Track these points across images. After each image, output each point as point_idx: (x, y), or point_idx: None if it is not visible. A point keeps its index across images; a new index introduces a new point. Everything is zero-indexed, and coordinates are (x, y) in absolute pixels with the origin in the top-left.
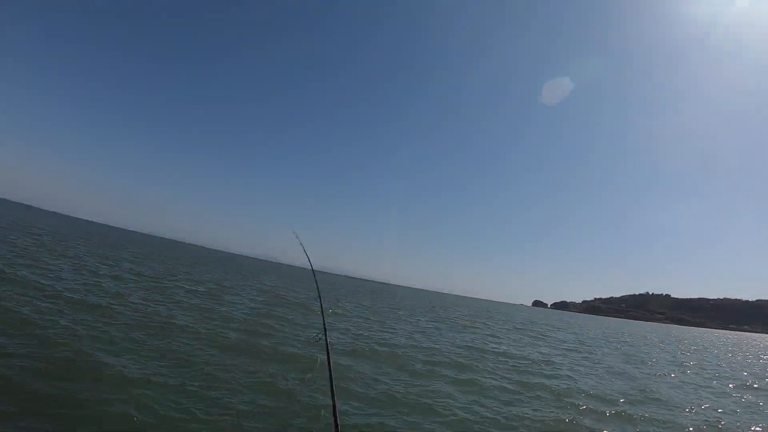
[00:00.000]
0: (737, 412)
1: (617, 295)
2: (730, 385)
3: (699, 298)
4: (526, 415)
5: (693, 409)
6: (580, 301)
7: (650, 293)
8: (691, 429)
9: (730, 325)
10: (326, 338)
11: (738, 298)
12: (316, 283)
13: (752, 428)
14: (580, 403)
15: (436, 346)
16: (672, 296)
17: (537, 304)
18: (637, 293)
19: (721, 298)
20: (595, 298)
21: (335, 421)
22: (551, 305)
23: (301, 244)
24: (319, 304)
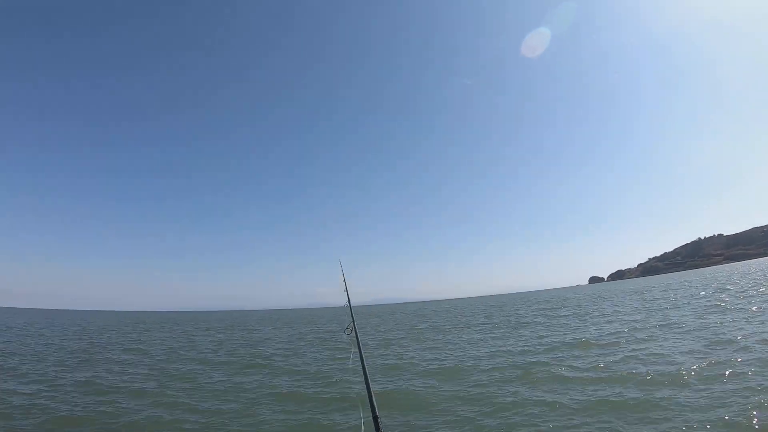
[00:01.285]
0: None
1: (670, 249)
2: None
3: (751, 229)
4: None
5: None
6: (636, 266)
7: (702, 238)
8: None
9: None
10: (355, 330)
11: None
12: (348, 297)
13: None
14: None
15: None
16: (724, 234)
17: (594, 280)
18: (689, 241)
19: None
20: (649, 258)
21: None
22: (608, 277)
23: (342, 275)
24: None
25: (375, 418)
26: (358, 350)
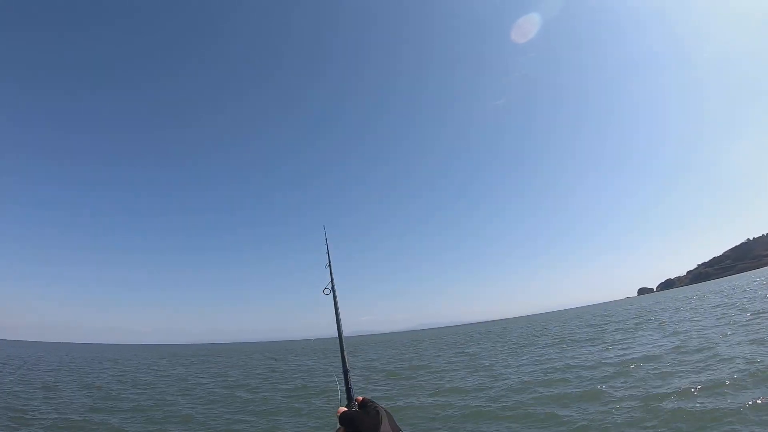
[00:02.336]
0: None
1: (718, 252)
2: None
3: None
4: None
5: None
6: (685, 273)
7: (750, 239)
8: None
9: None
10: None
11: None
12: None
13: None
14: None
15: None
16: None
17: (642, 291)
18: (737, 243)
19: None
20: (698, 265)
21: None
22: (657, 287)
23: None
24: None
25: (345, 372)
26: (335, 311)
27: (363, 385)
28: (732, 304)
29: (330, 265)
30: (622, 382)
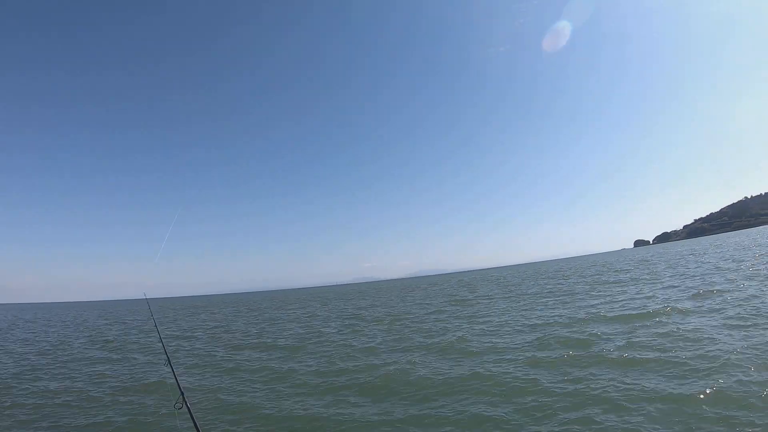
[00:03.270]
0: None
1: (716, 209)
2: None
3: None
4: None
5: None
6: (681, 228)
7: (748, 197)
8: None
9: None
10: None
11: None
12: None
13: None
14: None
15: None
16: None
17: (638, 243)
18: (735, 201)
19: None
20: (695, 220)
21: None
22: (653, 240)
23: None
24: None
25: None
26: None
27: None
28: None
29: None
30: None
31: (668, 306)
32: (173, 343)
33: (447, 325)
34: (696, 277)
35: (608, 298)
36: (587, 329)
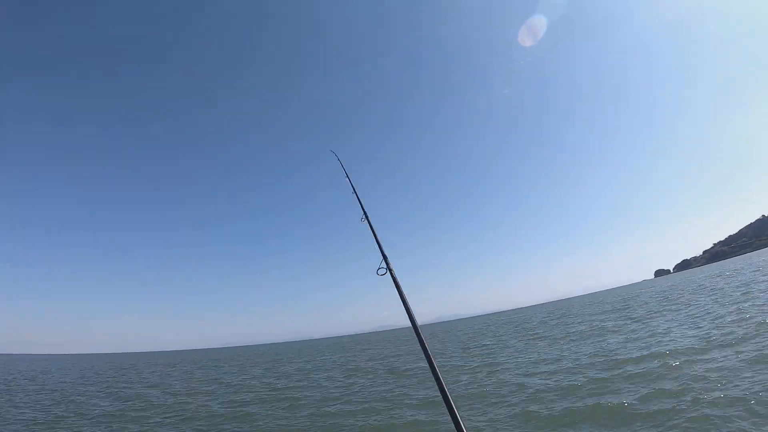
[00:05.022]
0: None
1: (734, 231)
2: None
3: None
4: None
5: None
6: (701, 253)
7: (766, 215)
8: None
9: None
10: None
11: None
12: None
13: None
14: None
15: None
16: None
17: (659, 273)
18: (753, 221)
19: None
20: (714, 244)
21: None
22: (673, 269)
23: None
24: None
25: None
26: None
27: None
28: None
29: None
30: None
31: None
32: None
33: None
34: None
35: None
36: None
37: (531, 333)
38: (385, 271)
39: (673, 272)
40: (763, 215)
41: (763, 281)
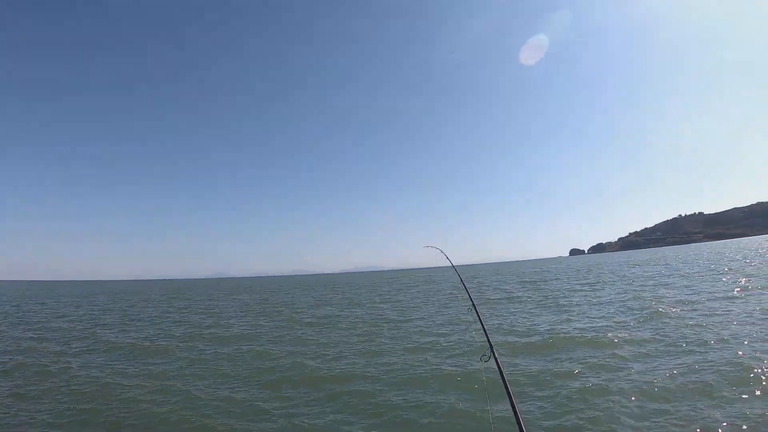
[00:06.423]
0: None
1: (650, 224)
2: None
3: (732, 209)
4: None
5: None
6: (616, 240)
7: (682, 215)
8: None
9: None
10: (494, 354)
11: None
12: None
13: None
14: None
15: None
16: (704, 213)
17: (574, 252)
18: (669, 219)
19: (755, 203)
20: (630, 233)
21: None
22: (588, 250)
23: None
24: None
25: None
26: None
27: None
28: None
29: (482, 324)
30: None
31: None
32: None
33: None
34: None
35: None
36: None
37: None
38: (489, 357)
39: (588, 253)
40: (680, 215)
41: (668, 275)
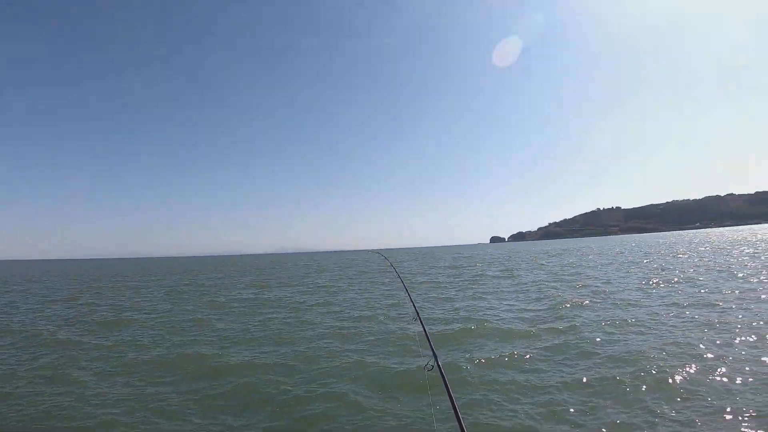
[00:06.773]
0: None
1: (570, 215)
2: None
3: (648, 205)
4: None
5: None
6: (536, 229)
7: (601, 209)
8: None
9: (686, 225)
10: (438, 363)
11: (686, 198)
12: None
13: None
14: None
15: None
16: (622, 208)
17: (495, 239)
18: (588, 211)
19: (669, 201)
20: (549, 223)
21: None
22: (509, 238)
23: None
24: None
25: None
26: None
27: None
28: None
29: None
30: None
31: None
32: None
33: None
34: None
35: None
36: None
37: None
38: (432, 367)
39: (508, 241)
40: (598, 208)
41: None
